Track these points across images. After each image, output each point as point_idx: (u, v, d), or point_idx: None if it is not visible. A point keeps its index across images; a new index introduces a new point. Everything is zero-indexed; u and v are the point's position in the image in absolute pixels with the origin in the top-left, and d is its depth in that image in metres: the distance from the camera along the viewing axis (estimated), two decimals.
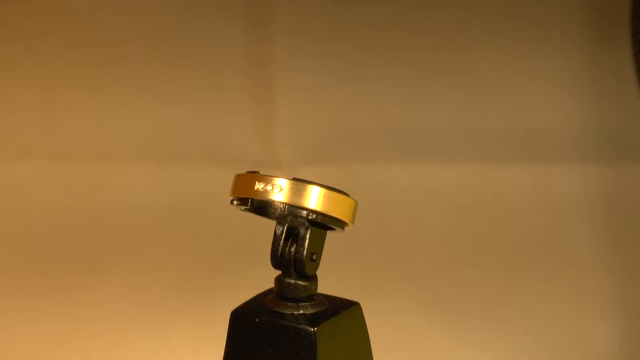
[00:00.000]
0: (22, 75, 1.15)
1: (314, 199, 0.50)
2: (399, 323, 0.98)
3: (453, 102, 1.15)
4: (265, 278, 0.54)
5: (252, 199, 0.51)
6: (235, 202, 0.51)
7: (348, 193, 0.51)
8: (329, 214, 0.50)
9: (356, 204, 0.51)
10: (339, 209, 0.50)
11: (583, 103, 1.15)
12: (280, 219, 0.51)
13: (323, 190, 0.50)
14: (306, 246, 0.51)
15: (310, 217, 0.50)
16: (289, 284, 0.52)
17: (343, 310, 0.53)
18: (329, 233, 0.53)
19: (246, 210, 0.52)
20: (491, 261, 1.07)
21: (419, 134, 1.15)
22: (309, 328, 0.50)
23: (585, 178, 1.13)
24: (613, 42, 1.14)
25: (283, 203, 0.50)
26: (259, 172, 0.51)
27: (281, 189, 0.50)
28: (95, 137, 1.13)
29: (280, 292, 0.52)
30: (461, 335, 0.98)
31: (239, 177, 0.51)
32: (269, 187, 0.50)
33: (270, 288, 0.54)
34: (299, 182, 0.50)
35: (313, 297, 0.53)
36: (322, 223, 0.51)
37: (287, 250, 0.51)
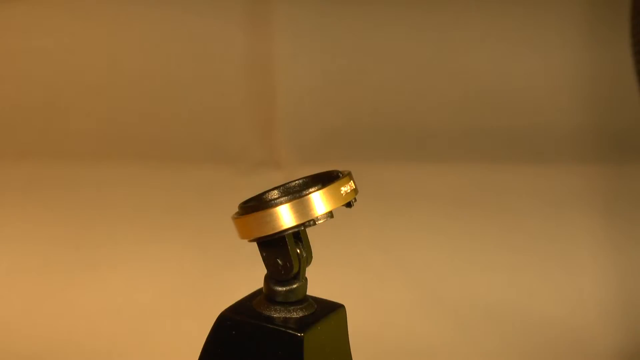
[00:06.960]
0: (22, 75, 1.15)
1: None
2: (398, 322, 0.98)
3: (453, 101, 1.15)
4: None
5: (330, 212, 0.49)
6: (320, 220, 0.48)
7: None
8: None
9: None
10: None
11: (583, 103, 1.15)
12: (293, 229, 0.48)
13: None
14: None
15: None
16: (299, 286, 0.50)
17: (330, 313, 0.52)
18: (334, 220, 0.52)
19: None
20: (491, 261, 1.07)
21: (419, 134, 1.15)
22: (297, 333, 0.49)
23: (585, 178, 1.13)
24: (613, 42, 1.14)
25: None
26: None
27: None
28: (95, 137, 1.13)
29: (277, 297, 0.51)
30: (461, 334, 0.98)
31: (320, 196, 0.48)
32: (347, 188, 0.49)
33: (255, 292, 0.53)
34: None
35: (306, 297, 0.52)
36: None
37: (300, 254, 0.50)
